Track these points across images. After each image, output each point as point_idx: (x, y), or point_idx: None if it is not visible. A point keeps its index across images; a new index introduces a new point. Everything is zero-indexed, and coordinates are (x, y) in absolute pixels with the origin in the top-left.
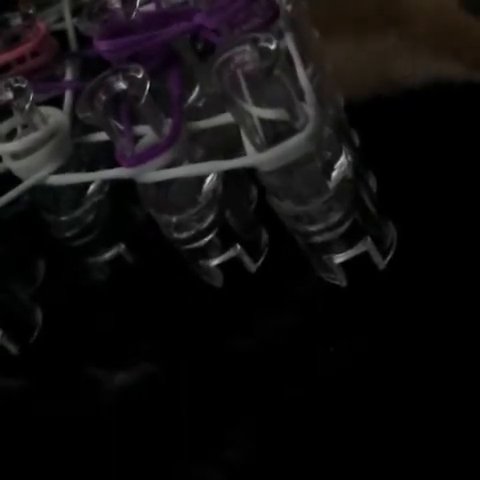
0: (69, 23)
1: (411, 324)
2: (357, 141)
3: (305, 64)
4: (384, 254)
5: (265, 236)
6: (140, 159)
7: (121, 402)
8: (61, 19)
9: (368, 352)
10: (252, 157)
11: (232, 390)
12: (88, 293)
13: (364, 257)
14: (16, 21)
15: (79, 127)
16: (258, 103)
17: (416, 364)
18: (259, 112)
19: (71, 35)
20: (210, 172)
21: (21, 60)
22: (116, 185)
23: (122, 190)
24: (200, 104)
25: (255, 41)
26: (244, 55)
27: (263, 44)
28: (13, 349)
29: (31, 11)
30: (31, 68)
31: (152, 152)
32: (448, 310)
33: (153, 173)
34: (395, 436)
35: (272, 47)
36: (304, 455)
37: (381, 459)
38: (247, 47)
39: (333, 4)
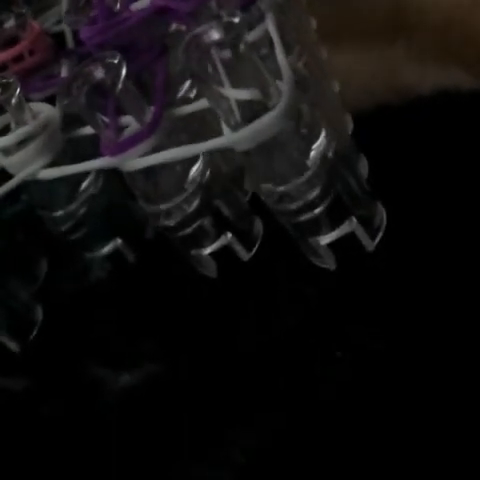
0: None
1: (401, 306)
2: (351, 126)
3: (290, 46)
4: (373, 236)
5: (259, 225)
6: (121, 147)
7: (122, 401)
8: (60, 21)
9: (362, 339)
10: (227, 137)
11: (233, 389)
12: (89, 292)
13: (354, 240)
14: (10, 22)
15: (72, 122)
16: (230, 83)
17: (409, 349)
18: (231, 92)
19: (68, 35)
20: (187, 155)
21: (17, 59)
22: (113, 179)
23: (119, 184)
24: (192, 95)
25: (219, 17)
26: (209, 32)
27: (227, 19)
28: (13, 347)
29: (24, 11)
30: (27, 67)
31: (133, 140)
32: (438, 290)
33: (134, 161)
34: (395, 435)
35: (236, 21)
36: (305, 454)
37: (383, 458)
38: (212, 24)
39: (342, 14)
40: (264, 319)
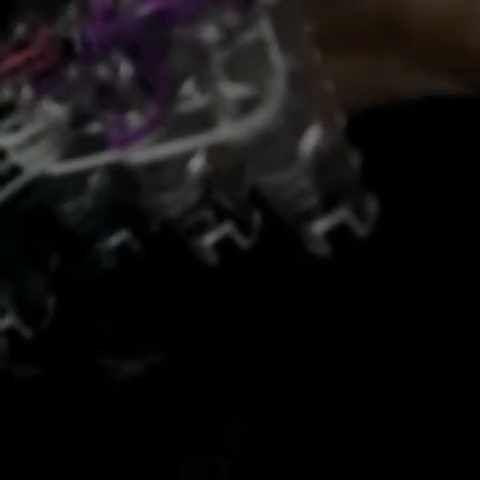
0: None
1: (395, 293)
2: (342, 123)
3: (285, 46)
4: (365, 224)
5: (257, 216)
6: (127, 141)
7: (127, 392)
8: (70, 27)
9: (360, 325)
10: (223, 131)
11: (238, 379)
12: (98, 282)
13: (348, 228)
14: (21, 28)
15: (81, 120)
16: (227, 80)
17: (401, 336)
18: (228, 89)
19: (77, 39)
20: (187, 148)
21: (28, 63)
22: (119, 173)
23: (125, 178)
24: (192, 92)
25: (218, 18)
26: (208, 33)
27: (225, 20)
28: (27, 333)
29: (34, 17)
30: (38, 70)
31: (138, 134)
32: (431, 277)
33: (139, 154)
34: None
35: (233, 22)
36: (308, 444)
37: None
38: (211, 25)
39: (334, 23)
40: (265, 310)
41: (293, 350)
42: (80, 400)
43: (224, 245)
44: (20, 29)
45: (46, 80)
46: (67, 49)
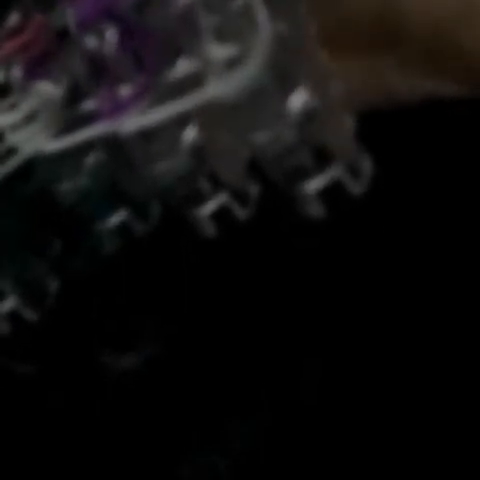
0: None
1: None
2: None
3: (274, 13)
4: (360, 182)
5: (254, 187)
6: (113, 111)
7: (126, 390)
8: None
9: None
10: (209, 90)
11: (238, 378)
12: (100, 267)
13: (342, 188)
14: (14, 16)
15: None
16: (212, 42)
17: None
18: (214, 50)
19: (71, 25)
20: (174, 113)
21: (23, 48)
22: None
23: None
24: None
25: None
26: None
27: None
28: (30, 315)
29: (28, 5)
30: (33, 56)
31: (128, 102)
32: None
33: (130, 122)
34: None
35: None
36: (308, 444)
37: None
38: None
39: (333, 23)
40: (267, 286)
41: (294, 330)
42: (78, 397)
43: (222, 217)
44: (14, 17)
45: (42, 65)
46: (64, 36)
